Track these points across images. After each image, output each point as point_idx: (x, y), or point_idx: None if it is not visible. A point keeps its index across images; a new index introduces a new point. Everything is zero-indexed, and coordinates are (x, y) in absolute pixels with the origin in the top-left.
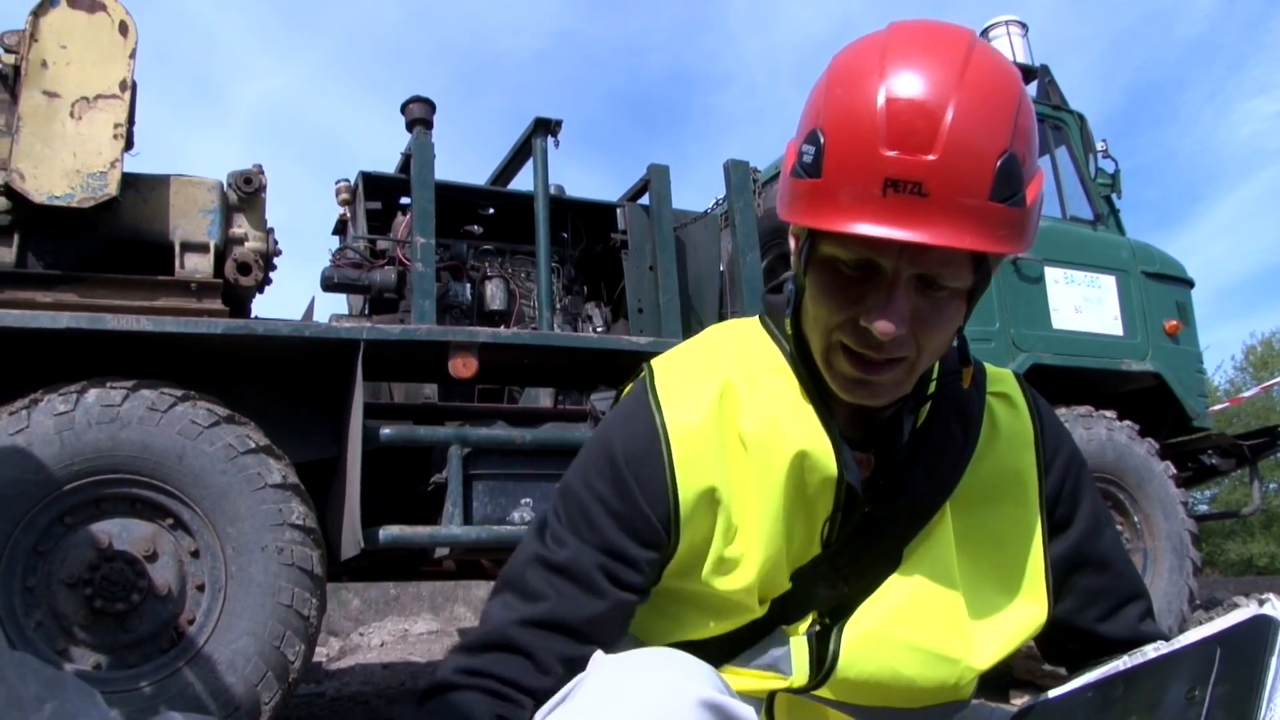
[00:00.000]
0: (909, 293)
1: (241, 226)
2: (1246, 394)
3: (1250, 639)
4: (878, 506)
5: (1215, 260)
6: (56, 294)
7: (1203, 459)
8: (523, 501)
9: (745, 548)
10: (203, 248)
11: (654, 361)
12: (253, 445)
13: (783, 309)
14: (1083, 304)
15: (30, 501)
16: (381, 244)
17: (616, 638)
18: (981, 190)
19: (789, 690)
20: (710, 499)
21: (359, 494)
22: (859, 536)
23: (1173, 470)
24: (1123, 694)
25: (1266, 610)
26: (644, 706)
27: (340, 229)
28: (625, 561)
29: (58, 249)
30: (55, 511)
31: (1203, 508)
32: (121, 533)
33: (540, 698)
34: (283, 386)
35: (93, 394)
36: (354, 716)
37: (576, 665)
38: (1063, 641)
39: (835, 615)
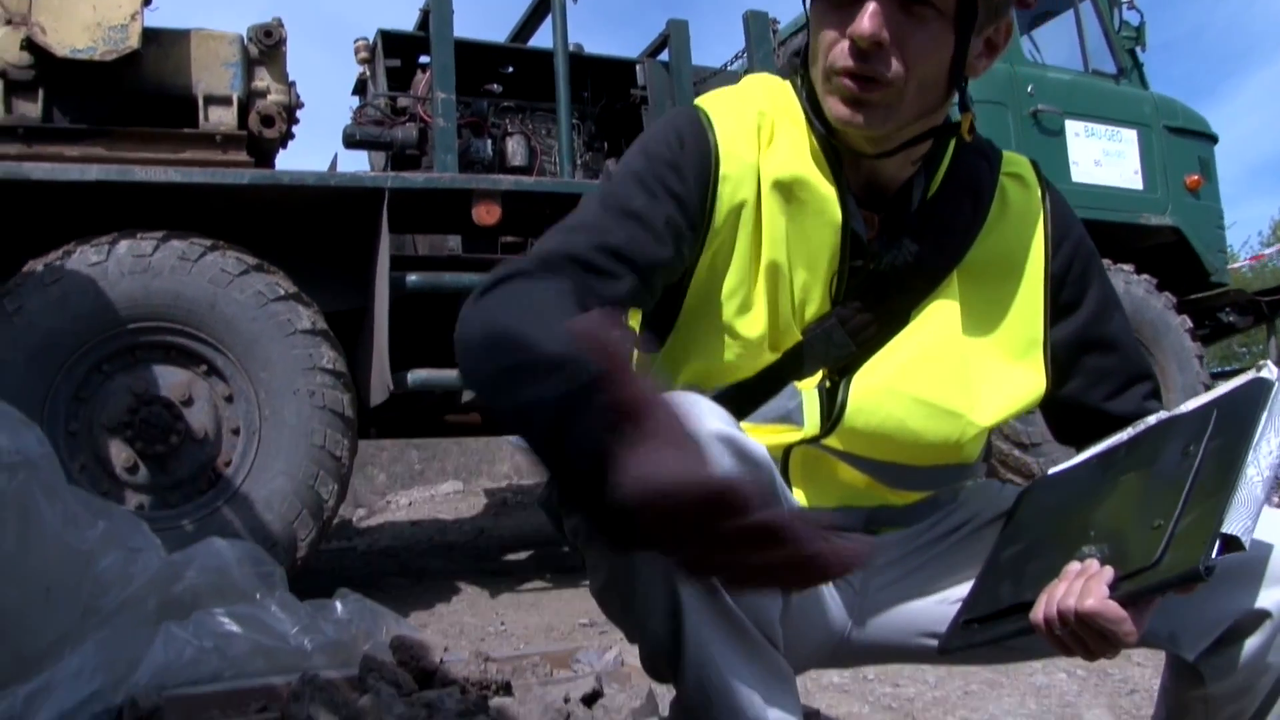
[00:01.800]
0: (891, 9)
1: (263, 80)
2: (1268, 251)
3: (1245, 399)
4: (884, 265)
5: (1245, 137)
6: (84, 148)
7: (1220, 316)
8: None
9: (754, 279)
10: (226, 101)
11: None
12: (282, 292)
13: (798, 67)
14: (1103, 157)
15: (69, 350)
16: (402, 101)
17: (650, 306)
18: None
19: (802, 442)
20: (738, 213)
21: (387, 340)
22: (867, 296)
23: (1189, 324)
24: (1124, 457)
25: (1263, 374)
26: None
27: (360, 89)
28: (677, 232)
29: (82, 104)
30: (93, 359)
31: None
32: (158, 379)
33: None
34: (309, 239)
35: (124, 245)
36: (385, 568)
37: (640, 307)
38: (1072, 420)
39: (844, 372)
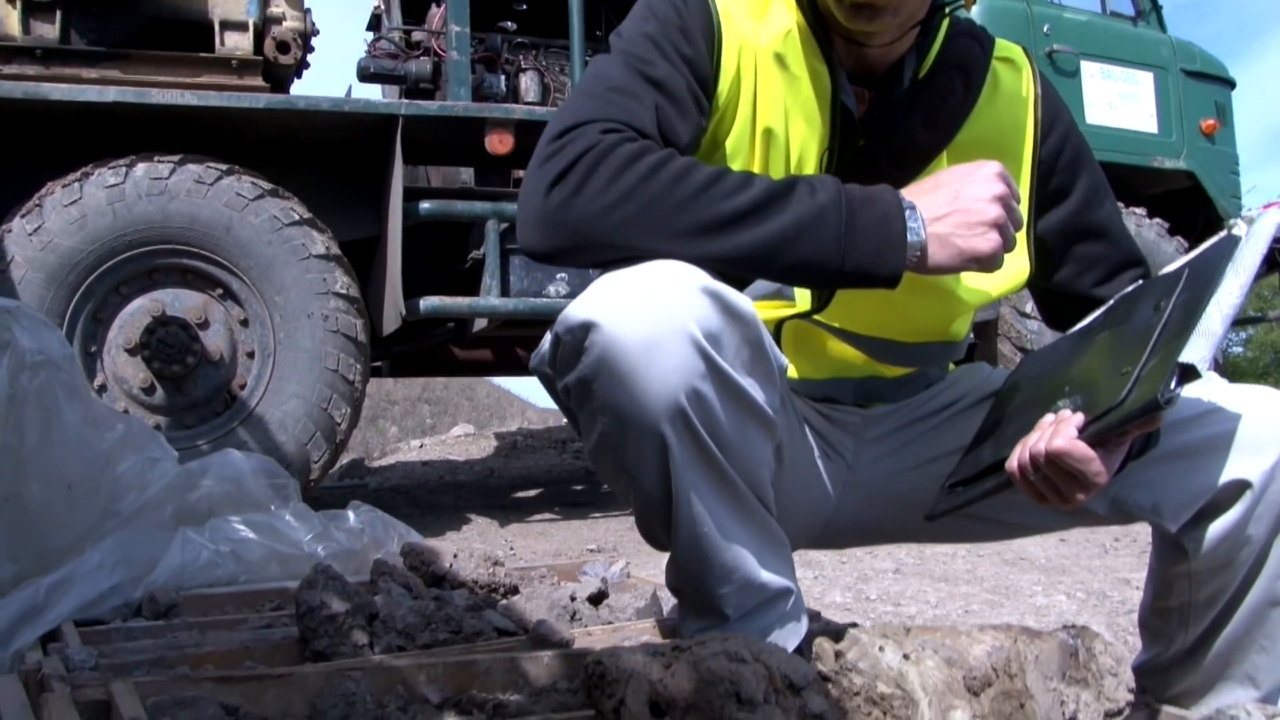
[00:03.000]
0: None
1: (279, 6)
2: None
3: (1214, 255)
4: (875, 142)
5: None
6: (101, 70)
7: None
8: (558, 276)
9: (751, 149)
10: (242, 26)
11: None
12: (297, 217)
13: None
14: (1118, 100)
15: (87, 270)
16: (417, 35)
17: None
18: None
19: (795, 317)
20: (738, 81)
21: (400, 267)
22: (857, 175)
23: None
24: (1100, 323)
25: (1234, 231)
26: (652, 285)
27: (374, 23)
28: (696, 96)
29: (100, 26)
30: (112, 281)
31: None
32: (174, 301)
33: None
34: (324, 168)
35: (141, 168)
36: (396, 504)
37: None
38: (1063, 306)
39: None
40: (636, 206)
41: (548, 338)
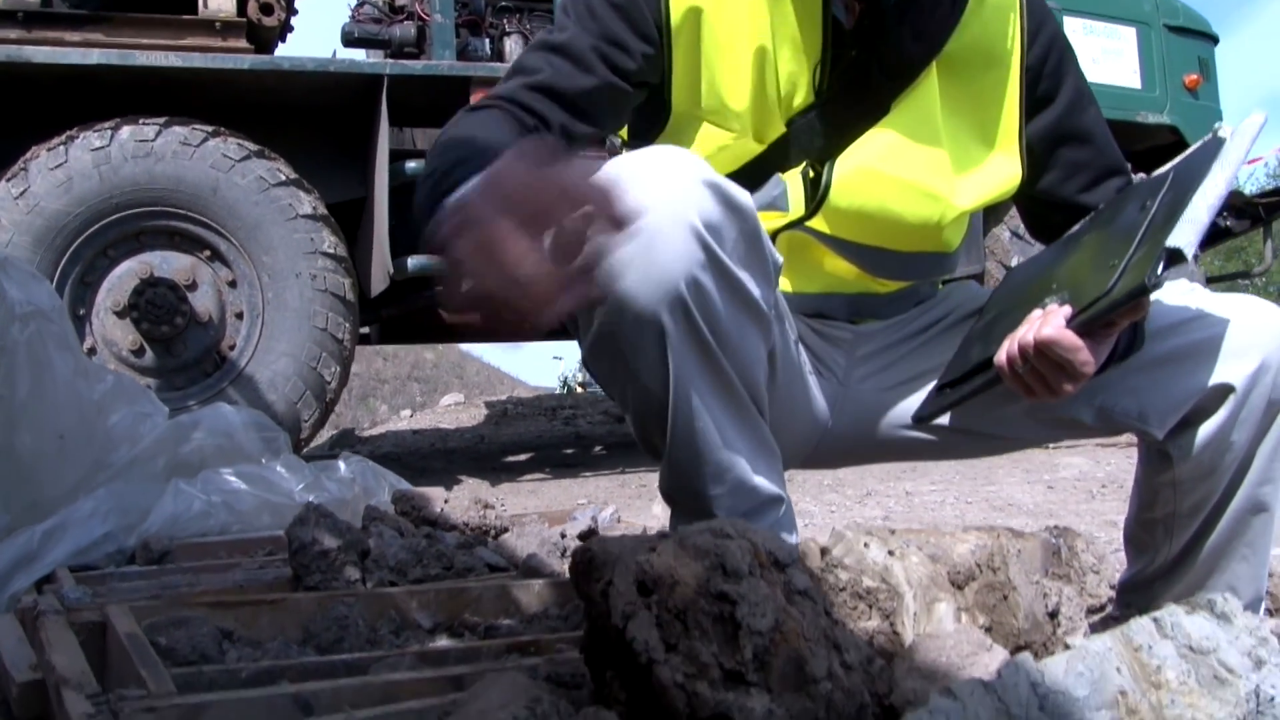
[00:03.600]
0: None
1: None
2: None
3: (1200, 157)
4: (865, 52)
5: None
6: (84, 33)
7: (1217, 220)
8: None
9: (740, 67)
10: None
11: None
12: (283, 178)
13: None
14: (1101, 55)
15: (74, 233)
16: (400, 0)
17: (610, 127)
18: None
19: (788, 226)
20: (695, 19)
21: (387, 226)
22: (849, 87)
23: None
24: (1086, 227)
25: (1220, 133)
26: (653, 173)
27: None
28: (620, 46)
29: None
30: (99, 244)
31: None
32: (162, 263)
33: None
34: (310, 131)
35: (126, 130)
36: (387, 468)
37: (574, 140)
38: (1047, 215)
39: (826, 161)
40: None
41: None
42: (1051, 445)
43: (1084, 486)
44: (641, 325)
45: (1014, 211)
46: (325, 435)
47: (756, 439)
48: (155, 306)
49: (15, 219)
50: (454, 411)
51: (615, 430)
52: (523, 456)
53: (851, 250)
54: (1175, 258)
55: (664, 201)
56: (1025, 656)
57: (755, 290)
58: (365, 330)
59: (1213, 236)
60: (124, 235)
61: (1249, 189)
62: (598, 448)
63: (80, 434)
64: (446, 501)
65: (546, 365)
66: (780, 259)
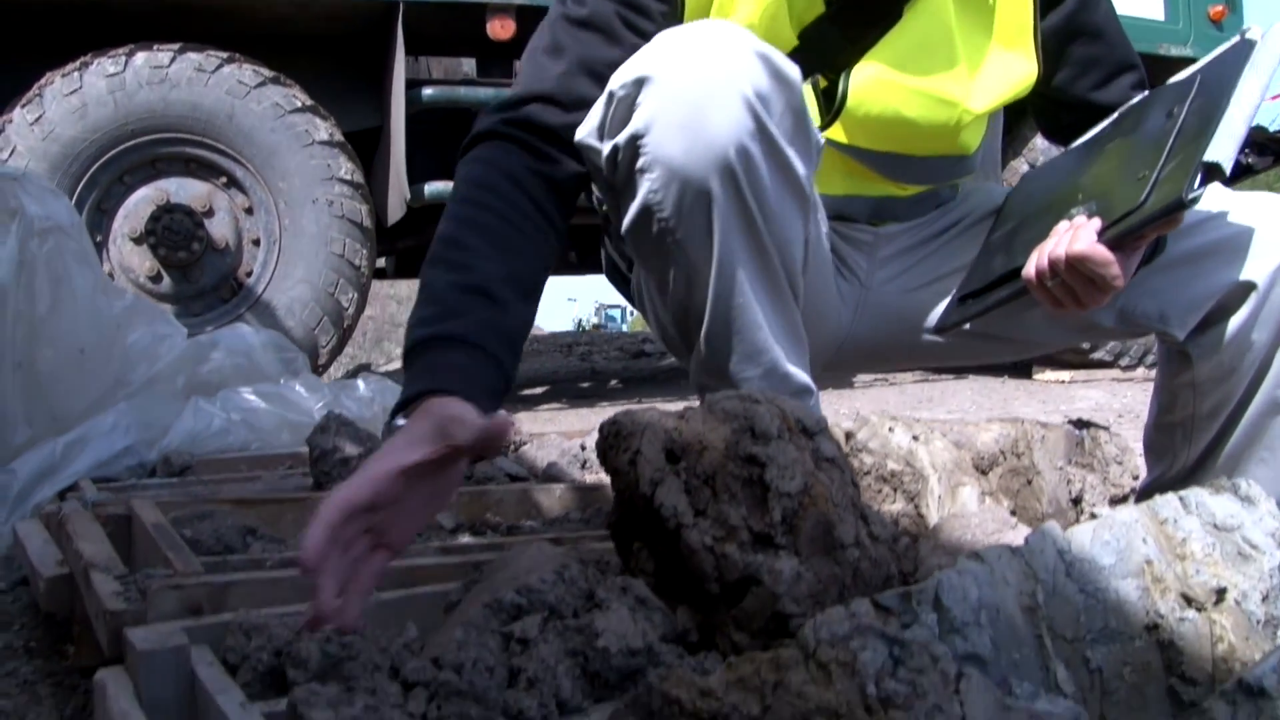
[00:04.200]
0: None
1: None
2: None
3: (1229, 60)
4: None
5: None
6: None
7: (1239, 157)
8: None
9: None
10: None
11: None
12: (299, 104)
13: None
14: None
15: (90, 160)
16: None
17: None
18: None
19: None
20: None
21: (404, 153)
22: None
23: None
24: (1109, 133)
25: (1249, 35)
26: (706, 43)
27: None
28: (640, 11)
29: None
30: (115, 171)
31: None
32: (178, 190)
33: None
34: (325, 59)
35: (140, 56)
36: None
37: None
38: (1059, 114)
39: (839, 71)
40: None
41: (597, 106)
42: (1068, 378)
43: (1100, 417)
44: (689, 192)
45: (1032, 145)
46: (340, 372)
47: (790, 326)
48: (172, 233)
49: (30, 145)
50: None
51: (631, 366)
52: (539, 389)
53: (870, 158)
54: (1214, 172)
55: (715, 68)
56: (1052, 524)
57: (800, 168)
58: (381, 264)
59: (1233, 174)
60: (140, 162)
61: (1272, 126)
62: (613, 381)
63: (100, 350)
64: None
65: (561, 308)
66: (822, 140)
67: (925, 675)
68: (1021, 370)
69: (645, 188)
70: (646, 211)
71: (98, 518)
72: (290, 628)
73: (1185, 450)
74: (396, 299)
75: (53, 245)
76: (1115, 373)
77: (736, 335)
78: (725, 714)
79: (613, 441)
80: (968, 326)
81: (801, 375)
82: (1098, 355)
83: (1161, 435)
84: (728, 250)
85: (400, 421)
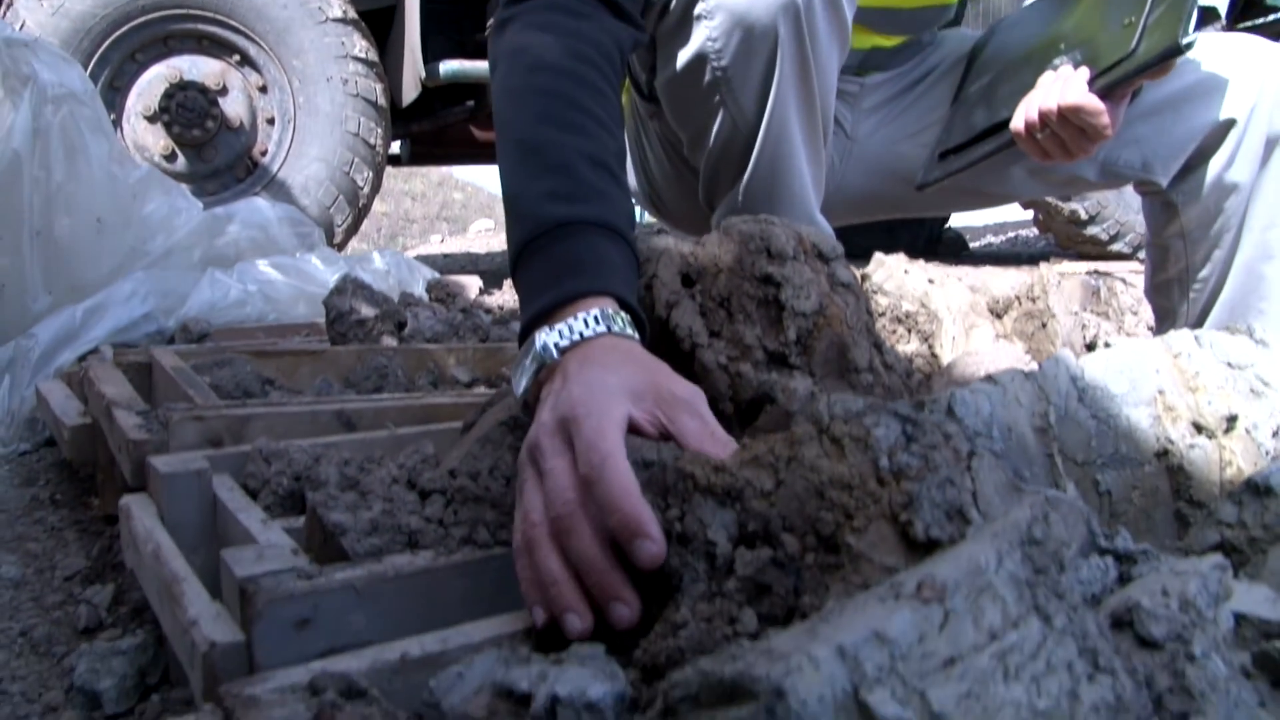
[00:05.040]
0: None
1: None
2: None
3: None
4: None
5: None
6: None
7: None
8: None
9: None
10: None
11: None
12: None
13: None
14: None
15: (101, 36)
16: None
17: None
18: None
19: None
20: None
21: (419, 31)
22: None
23: None
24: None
25: None
26: None
27: None
28: None
29: None
30: (126, 48)
31: None
32: (191, 68)
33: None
34: None
35: None
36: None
37: None
38: None
39: None
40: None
41: None
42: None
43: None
44: (753, 36)
45: None
46: None
47: (818, 176)
48: (186, 110)
49: (40, 20)
50: (485, 236)
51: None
52: None
53: (863, 12)
54: (1209, 16)
55: None
56: (1066, 352)
57: (848, 10)
58: (396, 151)
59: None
60: (151, 39)
61: None
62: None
63: (117, 219)
64: (481, 288)
65: None
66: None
67: (938, 451)
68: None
69: (702, 34)
70: (700, 59)
71: (119, 365)
72: (310, 455)
73: (1184, 307)
74: (411, 194)
75: (66, 113)
76: (1134, 265)
77: (778, 183)
78: (739, 489)
79: None
80: (949, 183)
81: (829, 226)
82: (1091, 231)
83: (1160, 296)
84: (782, 97)
85: (565, 336)
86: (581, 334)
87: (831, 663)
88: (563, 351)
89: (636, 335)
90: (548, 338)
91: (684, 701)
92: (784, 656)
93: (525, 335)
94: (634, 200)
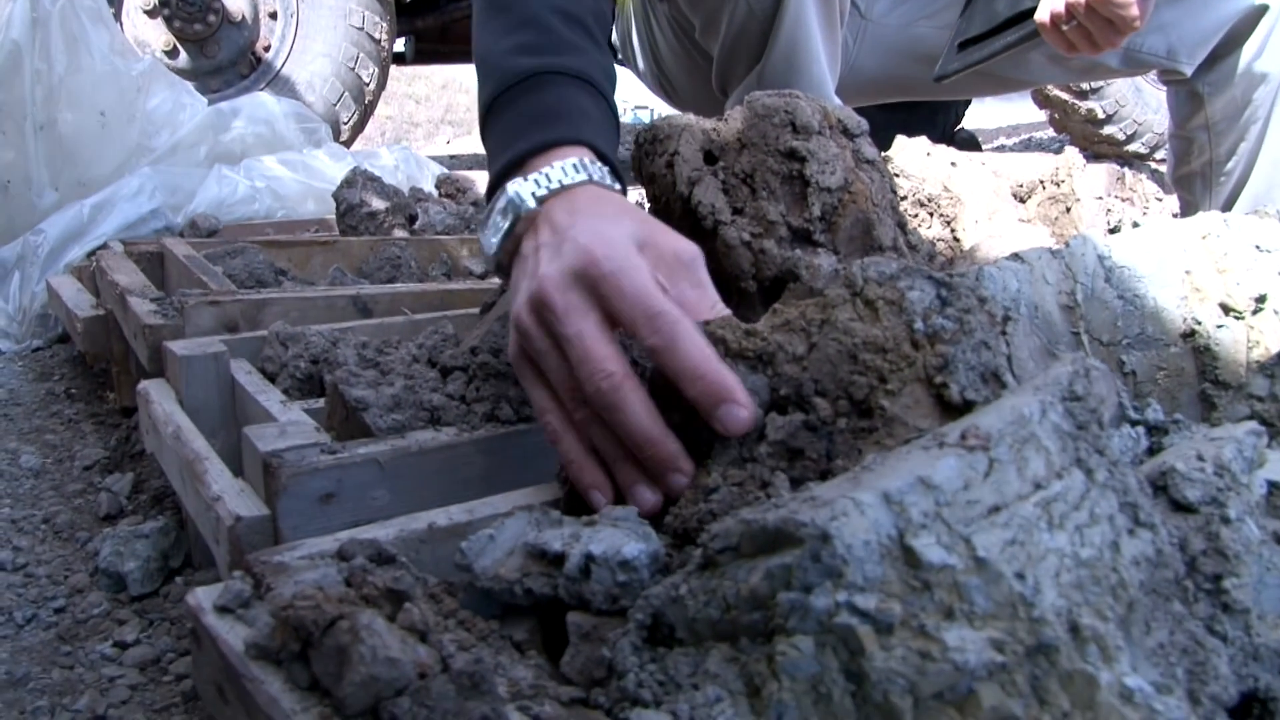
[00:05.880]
0: None
1: None
2: None
3: None
4: None
5: None
6: None
7: None
8: None
9: None
10: None
11: None
12: None
13: None
14: None
15: None
16: None
17: None
18: None
19: None
20: None
21: None
22: None
23: None
24: None
25: None
26: None
27: None
28: None
29: None
30: None
31: None
32: None
33: None
34: None
35: None
36: None
37: None
38: None
39: None
40: None
41: None
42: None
43: None
44: None
45: None
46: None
47: (834, 59)
48: (187, 4)
49: None
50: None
51: None
52: None
53: None
54: None
55: None
56: (1094, 230)
57: None
58: (400, 49)
59: None
60: None
61: None
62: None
63: (121, 113)
64: None
65: None
66: None
67: (972, 315)
68: None
69: None
70: None
71: (130, 255)
72: (328, 338)
73: (1207, 201)
74: (414, 98)
75: (65, 2)
76: (1152, 165)
77: (796, 68)
78: (771, 353)
79: (649, 148)
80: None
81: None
82: (1108, 130)
83: (1183, 189)
84: (803, 8)
85: (543, 185)
86: (561, 182)
87: (877, 508)
88: (541, 201)
89: (619, 189)
90: (521, 187)
91: (724, 552)
92: (829, 503)
93: (494, 190)
94: (643, 81)
